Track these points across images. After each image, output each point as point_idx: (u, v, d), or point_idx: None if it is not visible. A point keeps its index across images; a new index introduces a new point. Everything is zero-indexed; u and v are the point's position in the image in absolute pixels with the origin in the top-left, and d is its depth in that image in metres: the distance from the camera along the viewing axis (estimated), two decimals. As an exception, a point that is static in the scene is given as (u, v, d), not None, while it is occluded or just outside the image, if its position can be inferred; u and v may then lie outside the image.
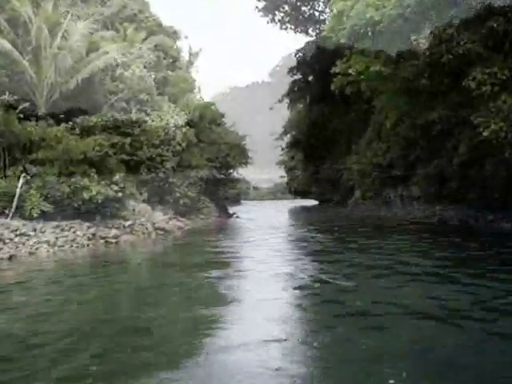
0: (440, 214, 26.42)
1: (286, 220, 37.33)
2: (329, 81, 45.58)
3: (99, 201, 18.81)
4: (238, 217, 42.36)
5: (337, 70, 21.87)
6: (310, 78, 48.07)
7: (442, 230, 21.72)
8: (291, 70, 46.67)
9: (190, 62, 38.21)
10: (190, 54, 38.38)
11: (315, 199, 74.32)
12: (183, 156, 29.22)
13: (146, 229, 21.72)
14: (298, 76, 47.35)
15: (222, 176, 32.66)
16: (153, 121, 25.78)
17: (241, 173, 41.41)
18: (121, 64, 24.35)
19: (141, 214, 23.24)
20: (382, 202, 36.63)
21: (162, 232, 21.93)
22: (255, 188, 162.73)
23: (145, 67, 28.28)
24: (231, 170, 44.75)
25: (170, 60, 31.39)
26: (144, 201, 26.74)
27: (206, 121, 33.11)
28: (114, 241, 18.28)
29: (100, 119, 21.71)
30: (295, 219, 38.87)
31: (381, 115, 30.01)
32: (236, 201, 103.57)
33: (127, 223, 20.94)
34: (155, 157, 26.12)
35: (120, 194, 19.87)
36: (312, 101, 50.01)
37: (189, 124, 30.51)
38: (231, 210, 66.13)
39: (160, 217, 24.23)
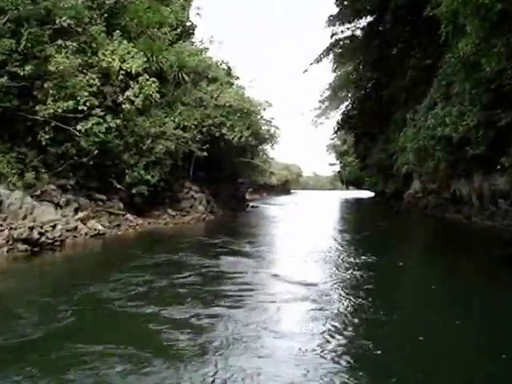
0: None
1: (323, 223, 25.41)
2: (383, 33, 34.46)
3: None
4: (247, 210, 32.36)
5: None
6: (359, 33, 36.66)
7: None
8: (331, 21, 35.28)
9: (186, 0, 27.93)
10: (186, -12, 28.11)
11: (369, 190, 62.87)
12: (136, 121, 19.12)
13: (-6, 240, 11.78)
14: (341, 28, 35.90)
15: (205, 154, 22.08)
16: (67, 58, 15.75)
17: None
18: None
19: (11, 211, 13.35)
20: (450, 197, 25.17)
21: (25, 247, 11.84)
22: (311, 177, 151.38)
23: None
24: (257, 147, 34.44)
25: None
26: (63, 188, 17.00)
27: (187, 73, 22.77)
28: None
29: None
30: (334, 221, 27.51)
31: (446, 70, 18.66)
32: (284, 190, 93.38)
33: None
34: (76, 116, 16.13)
35: None
36: (365, 63, 38.58)
37: (156, 74, 20.37)
38: (267, 200, 55.86)
39: (51, 215, 14.25)
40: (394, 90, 33.70)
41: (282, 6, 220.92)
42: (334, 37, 35.89)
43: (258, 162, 36.29)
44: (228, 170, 30.18)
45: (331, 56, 37.74)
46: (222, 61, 29.19)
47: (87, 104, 15.87)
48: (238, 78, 30.94)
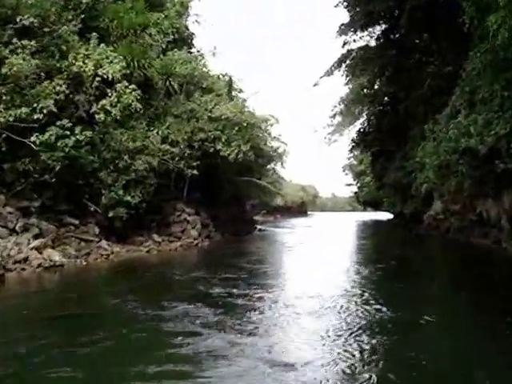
0: None
1: (333, 251, 21.99)
2: (398, 41, 31.92)
3: None
4: (253, 234, 29.81)
5: None
6: (373, 43, 34.11)
7: None
8: (343, 31, 32.79)
9: (183, 6, 25.75)
10: (181, -7, 25.92)
11: (387, 211, 59.83)
12: (113, 133, 16.75)
13: None
14: (353, 37, 33.33)
15: (195, 172, 19.50)
16: (24, 59, 13.49)
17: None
18: None
19: None
20: (476, 220, 22.23)
21: None
22: (329, 198, 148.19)
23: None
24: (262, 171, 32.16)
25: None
26: (25, 211, 14.68)
27: (180, 83, 20.49)
28: None
29: None
30: (346, 249, 24.44)
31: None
32: (300, 212, 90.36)
33: None
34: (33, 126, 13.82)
35: None
36: (380, 75, 35.91)
37: (141, 82, 18.08)
38: (280, 223, 52.88)
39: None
40: (412, 102, 31.01)
41: (283, 10, 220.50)
42: (346, 47, 33.29)
43: (265, 182, 33.75)
44: (229, 190, 27.65)
45: (343, 67, 35.11)
46: (226, 73, 26.99)
47: (44, 111, 13.49)
48: (240, 90, 28.64)
